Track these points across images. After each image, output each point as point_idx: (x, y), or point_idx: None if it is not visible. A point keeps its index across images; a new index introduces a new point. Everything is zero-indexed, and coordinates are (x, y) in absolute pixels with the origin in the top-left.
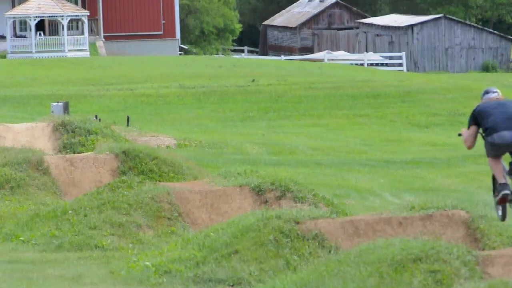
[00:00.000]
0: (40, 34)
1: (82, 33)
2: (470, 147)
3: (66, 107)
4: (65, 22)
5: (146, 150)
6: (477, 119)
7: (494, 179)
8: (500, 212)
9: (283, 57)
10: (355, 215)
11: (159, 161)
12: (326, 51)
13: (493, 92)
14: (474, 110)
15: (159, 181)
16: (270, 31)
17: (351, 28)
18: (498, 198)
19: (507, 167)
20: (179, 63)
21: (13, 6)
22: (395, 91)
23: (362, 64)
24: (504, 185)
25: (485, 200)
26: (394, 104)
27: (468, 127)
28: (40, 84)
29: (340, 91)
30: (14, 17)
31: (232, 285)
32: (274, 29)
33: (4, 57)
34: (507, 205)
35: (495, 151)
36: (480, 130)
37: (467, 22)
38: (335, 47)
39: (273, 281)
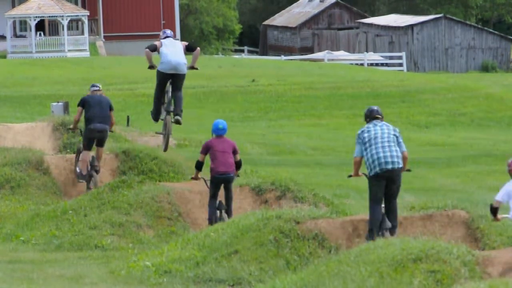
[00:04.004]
0: (40, 34)
1: (82, 33)
2: (76, 122)
3: (66, 107)
4: (65, 22)
5: (146, 150)
6: (84, 105)
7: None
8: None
9: (283, 57)
10: (355, 215)
11: (159, 161)
12: (326, 51)
13: (96, 87)
14: (81, 100)
15: (159, 181)
16: (270, 31)
17: (351, 28)
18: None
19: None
20: None
21: (13, 6)
22: (395, 91)
23: (362, 64)
24: (84, 176)
25: (485, 200)
26: (394, 104)
27: (78, 106)
28: (40, 84)
29: (340, 91)
30: (14, 17)
31: (232, 285)
32: (274, 29)
33: (4, 57)
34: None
35: (90, 135)
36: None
37: (467, 22)
38: (335, 47)
39: (273, 281)
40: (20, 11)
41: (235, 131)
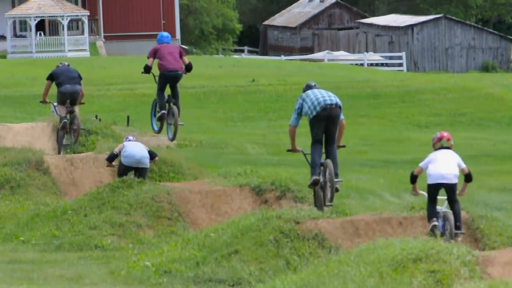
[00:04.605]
0: (40, 34)
1: (82, 33)
2: (44, 95)
3: None
4: (65, 22)
5: None
6: (52, 78)
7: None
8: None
9: (283, 57)
10: (355, 215)
11: (159, 161)
12: (326, 51)
13: (63, 63)
14: (49, 74)
15: (159, 181)
16: (270, 31)
17: (351, 28)
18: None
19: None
20: None
21: (13, 6)
22: (395, 91)
23: (362, 64)
24: (62, 117)
25: (485, 200)
26: (394, 104)
27: (46, 80)
28: (40, 84)
29: (340, 91)
30: (14, 17)
31: (232, 285)
32: (274, 29)
33: (4, 57)
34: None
35: (63, 97)
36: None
37: (467, 22)
38: (335, 47)
39: (273, 281)
40: (20, 11)
41: (235, 131)
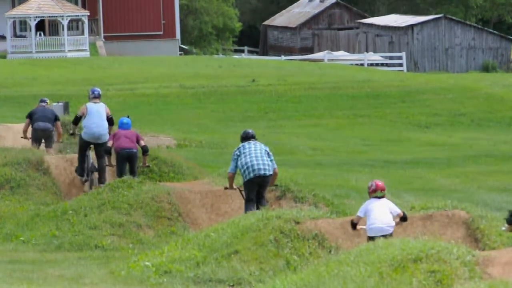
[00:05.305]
0: (40, 34)
1: (82, 33)
2: (24, 132)
3: (66, 107)
4: (65, 22)
5: None
6: (31, 116)
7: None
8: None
9: (283, 57)
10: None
11: (159, 161)
12: (326, 51)
13: (43, 102)
14: (28, 113)
15: (159, 181)
16: (270, 31)
17: (351, 28)
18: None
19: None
20: (179, 63)
21: (13, 6)
22: (395, 91)
23: (362, 64)
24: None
25: (485, 200)
26: (394, 104)
27: (26, 118)
28: (40, 84)
29: (340, 91)
30: (14, 17)
31: (232, 285)
32: (274, 29)
33: (4, 57)
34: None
35: (36, 135)
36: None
37: (467, 22)
38: (335, 47)
39: (273, 281)
40: (20, 11)
41: (235, 131)
